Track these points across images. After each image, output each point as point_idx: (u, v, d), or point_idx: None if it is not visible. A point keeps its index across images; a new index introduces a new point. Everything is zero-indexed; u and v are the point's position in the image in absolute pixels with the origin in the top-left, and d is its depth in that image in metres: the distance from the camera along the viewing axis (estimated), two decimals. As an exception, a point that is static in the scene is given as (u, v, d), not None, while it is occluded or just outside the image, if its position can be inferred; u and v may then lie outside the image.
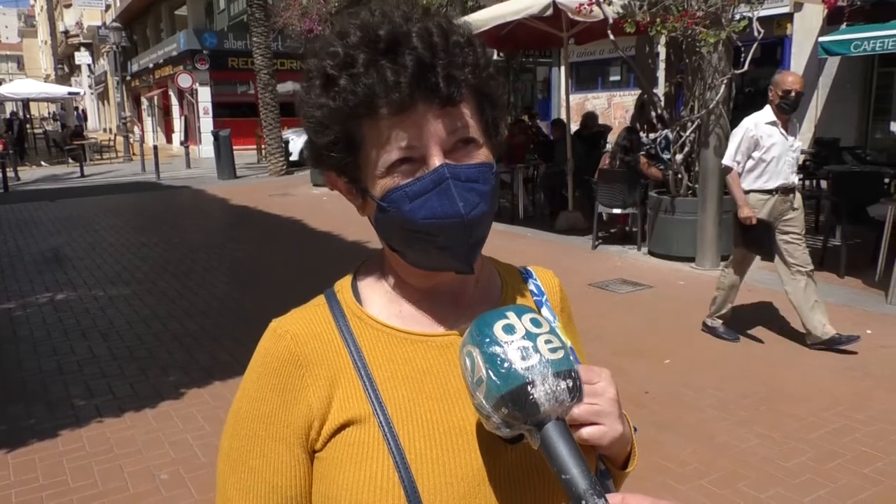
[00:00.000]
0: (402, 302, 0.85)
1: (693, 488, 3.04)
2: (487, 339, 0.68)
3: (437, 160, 0.75)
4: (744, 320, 5.24)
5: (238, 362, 4.61)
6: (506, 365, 0.66)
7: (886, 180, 7.69)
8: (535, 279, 0.96)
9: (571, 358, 0.69)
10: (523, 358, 0.66)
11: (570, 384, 0.67)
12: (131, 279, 7.20)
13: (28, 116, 31.00)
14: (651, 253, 7.35)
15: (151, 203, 13.68)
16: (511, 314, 0.70)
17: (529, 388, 0.65)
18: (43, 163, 23.43)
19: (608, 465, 0.83)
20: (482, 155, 0.78)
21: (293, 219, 10.71)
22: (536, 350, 0.67)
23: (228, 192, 14.37)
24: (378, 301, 0.86)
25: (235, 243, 9.34)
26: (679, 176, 7.15)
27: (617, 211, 7.91)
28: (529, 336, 0.68)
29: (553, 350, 0.68)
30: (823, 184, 9.13)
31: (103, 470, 3.32)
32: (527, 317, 0.70)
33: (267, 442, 0.79)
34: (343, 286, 0.88)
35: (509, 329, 0.69)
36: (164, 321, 5.68)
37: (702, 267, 6.75)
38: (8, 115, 31.44)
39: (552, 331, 0.70)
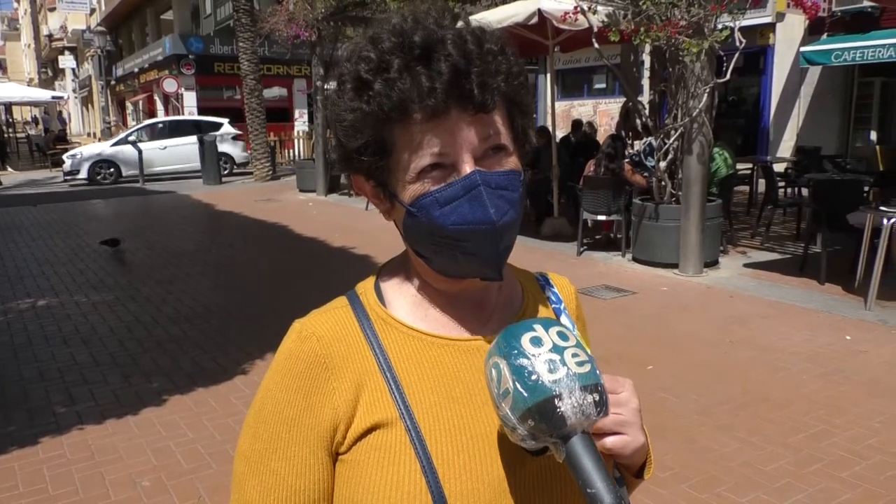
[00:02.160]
0: (428, 306, 0.85)
1: (674, 493, 3.07)
2: (515, 351, 0.68)
3: (468, 167, 0.75)
4: (725, 327, 5.30)
5: (222, 368, 4.60)
6: (533, 377, 0.66)
7: (866, 188, 7.79)
8: (553, 287, 0.96)
9: (598, 372, 0.69)
10: (550, 371, 0.66)
11: (597, 398, 0.67)
12: (115, 285, 7.15)
13: (10, 120, 30.69)
14: (635, 259, 7.40)
15: (135, 208, 13.59)
16: (538, 327, 0.70)
17: (556, 402, 0.65)
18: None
19: (623, 472, 0.84)
20: (512, 162, 0.79)
21: (278, 224, 10.67)
22: (564, 363, 0.67)
23: (214, 198, 14.30)
24: (403, 304, 0.85)
25: (220, 249, 9.30)
26: (663, 183, 7.22)
27: (602, 217, 7.97)
28: (557, 349, 0.68)
29: (580, 364, 0.68)
30: (804, 191, 9.24)
31: (84, 477, 3.30)
32: (554, 330, 0.70)
33: (290, 445, 0.78)
34: (366, 288, 0.87)
35: (536, 342, 0.69)
36: (147, 327, 5.65)
37: (685, 273, 6.81)
38: None
39: (578, 344, 0.70)
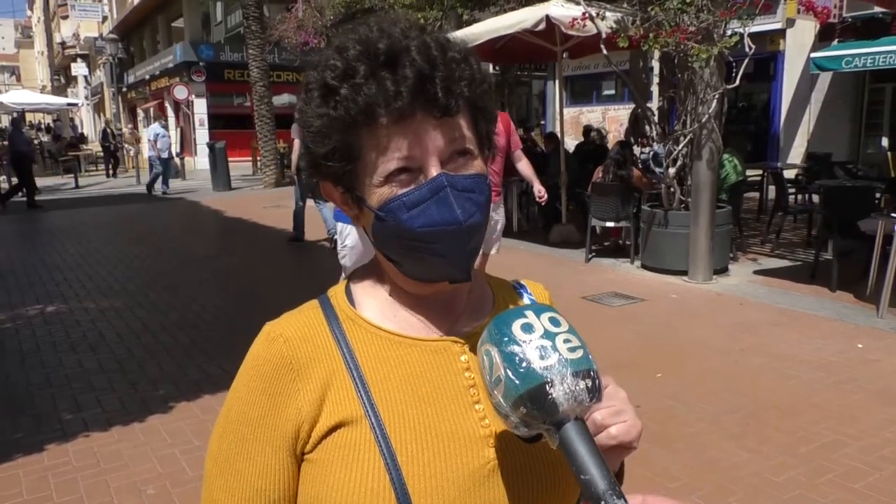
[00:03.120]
0: (397, 307, 0.86)
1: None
2: (506, 339, 0.68)
3: (434, 170, 0.76)
4: (735, 334, 5.25)
5: (228, 375, 4.57)
6: (524, 364, 0.66)
7: (877, 195, 7.72)
8: (528, 292, 0.97)
9: (590, 357, 0.68)
10: (542, 357, 0.66)
11: (590, 384, 0.66)
12: (123, 291, 7.17)
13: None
14: (644, 266, 7.36)
15: (145, 215, 13.65)
16: (530, 313, 0.70)
17: (548, 388, 0.65)
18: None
19: None
20: (477, 166, 0.80)
21: (287, 231, 10.68)
22: (555, 349, 0.66)
23: (223, 204, 14.35)
24: (372, 305, 0.86)
25: (228, 255, 9.32)
26: (672, 189, 7.18)
27: (610, 224, 7.93)
28: (548, 335, 0.67)
29: (572, 349, 0.67)
30: (815, 198, 9.17)
31: (89, 485, 3.29)
32: (545, 315, 0.70)
33: (254, 445, 0.79)
34: (337, 291, 0.89)
35: (528, 328, 0.68)
36: (154, 334, 5.65)
37: (694, 280, 6.76)
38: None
39: (571, 330, 0.70)
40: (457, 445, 0.78)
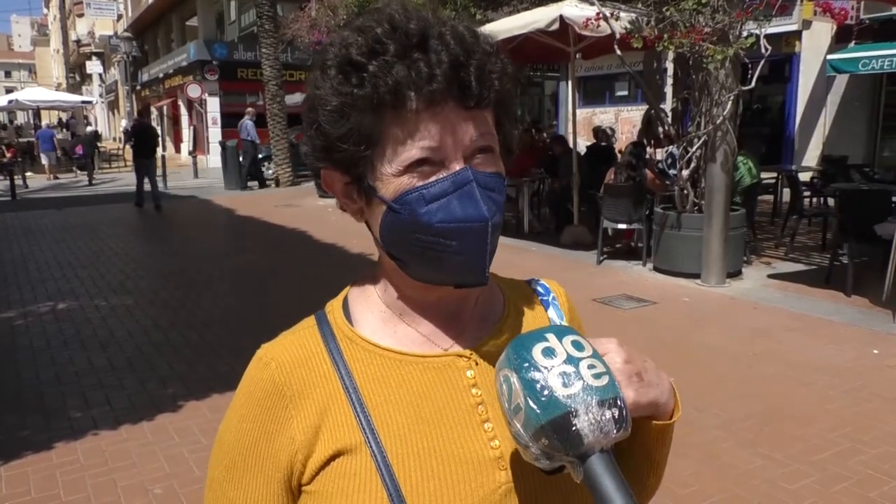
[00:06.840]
0: (397, 321, 0.81)
1: (694, 511, 2.98)
2: (526, 364, 0.63)
3: (457, 164, 0.71)
4: (748, 339, 5.19)
5: (237, 374, 4.50)
6: (546, 392, 0.62)
7: (894, 198, 7.62)
8: (548, 289, 0.93)
9: (616, 384, 0.64)
10: (565, 385, 0.62)
11: (616, 413, 0.62)
12: (134, 289, 7.19)
13: (38, 124, 31.28)
14: (656, 269, 7.30)
15: (156, 213, 13.70)
16: (551, 336, 0.66)
17: (572, 418, 0.61)
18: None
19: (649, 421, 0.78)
20: (499, 165, 0.76)
21: (298, 230, 10.70)
22: (579, 376, 0.62)
23: (235, 203, 14.38)
24: (371, 321, 0.82)
25: (240, 254, 9.33)
26: (685, 192, 7.12)
27: (622, 226, 7.87)
28: (571, 360, 0.63)
29: (597, 376, 0.63)
30: (830, 201, 9.07)
31: (97, 483, 3.29)
32: (568, 339, 0.66)
33: (245, 474, 0.76)
34: (334, 307, 0.84)
35: (549, 352, 0.64)
36: (165, 332, 5.66)
37: (707, 283, 6.69)
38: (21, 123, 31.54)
39: (595, 354, 0.66)
40: (464, 470, 0.73)
